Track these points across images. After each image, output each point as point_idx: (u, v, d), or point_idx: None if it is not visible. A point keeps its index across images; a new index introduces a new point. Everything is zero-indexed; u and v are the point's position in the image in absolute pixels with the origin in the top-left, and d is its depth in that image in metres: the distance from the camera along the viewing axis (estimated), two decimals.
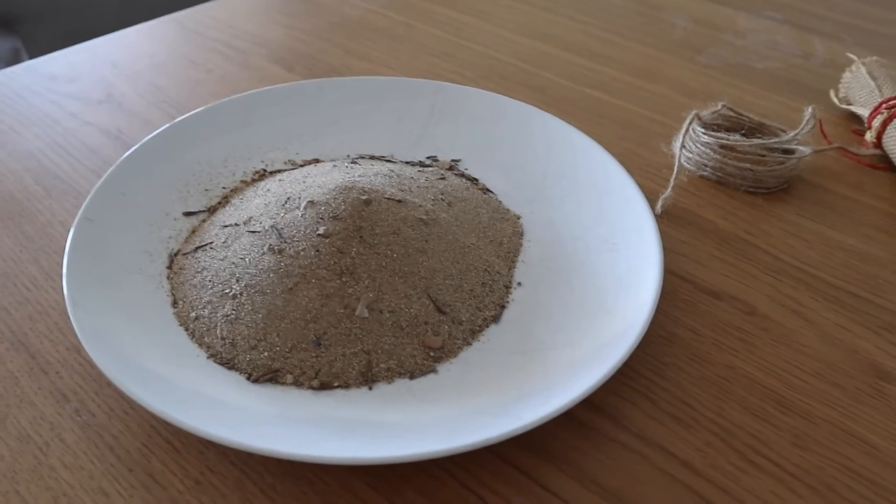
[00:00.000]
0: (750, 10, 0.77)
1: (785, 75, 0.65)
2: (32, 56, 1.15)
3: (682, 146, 0.52)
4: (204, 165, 0.48)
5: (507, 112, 0.52)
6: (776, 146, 0.50)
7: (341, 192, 0.40)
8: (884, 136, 0.53)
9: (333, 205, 0.39)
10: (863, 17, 0.76)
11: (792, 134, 0.51)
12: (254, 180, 0.48)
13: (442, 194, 0.44)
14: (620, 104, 0.60)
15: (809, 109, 0.52)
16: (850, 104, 0.59)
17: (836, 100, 0.60)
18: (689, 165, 0.53)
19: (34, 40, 1.18)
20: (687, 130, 0.52)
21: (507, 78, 0.64)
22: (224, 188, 0.47)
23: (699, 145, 0.52)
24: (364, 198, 0.40)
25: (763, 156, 0.50)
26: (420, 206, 0.41)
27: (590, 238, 0.44)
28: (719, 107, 0.53)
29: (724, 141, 0.50)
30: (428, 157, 0.50)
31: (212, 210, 0.45)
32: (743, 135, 0.52)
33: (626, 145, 0.55)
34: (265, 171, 0.49)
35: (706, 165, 0.51)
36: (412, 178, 0.45)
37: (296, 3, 0.77)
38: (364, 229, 0.39)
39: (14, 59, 1.20)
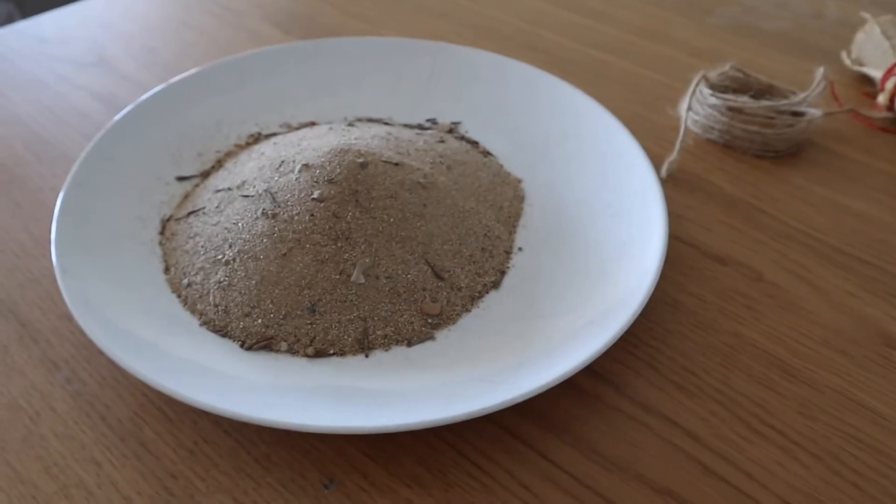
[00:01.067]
0: None
1: (795, 36, 0.63)
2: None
3: (689, 108, 0.50)
4: (197, 129, 0.47)
5: (508, 73, 0.50)
6: (785, 108, 0.49)
7: (337, 155, 0.39)
8: None
9: (329, 168, 0.38)
10: None
11: (802, 96, 0.49)
12: (248, 144, 0.47)
13: (441, 157, 0.43)
14: (625, 65, 0.59)
15: (820, 71, 0.50)
16: (862, 65, 0.57)
17: (847, 61, 0.58)
18: (695, 128, 0.51)
19: (28, 4, 1.16)
20: (694, 92, 0.50)
21: (508, 38, 0.62)
22: (217, 152, 0.46)
23: (706, 107, 0.50)
24: (360, 161, 0.38)
25: (772, 118, 0.48)
26: (418, 169, 0.40)
27: (593, 202, 0.42)
28: (727, 68, 0.52)
29: (731, 103, 0.49)
30: (427, 120, 0.49)
31: (205, 174, 0.44)
32: (751, 97, 0.51)
33: (630, 108, 0.54)
34: (260, 134, 0.48)
35: (713, 128, 0.50)
36: (410, 140, 0.44)
37: None
38: (360, 193, 0.38)
39: (7, 24, 1.17)
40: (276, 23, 0.63)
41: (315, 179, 0.38)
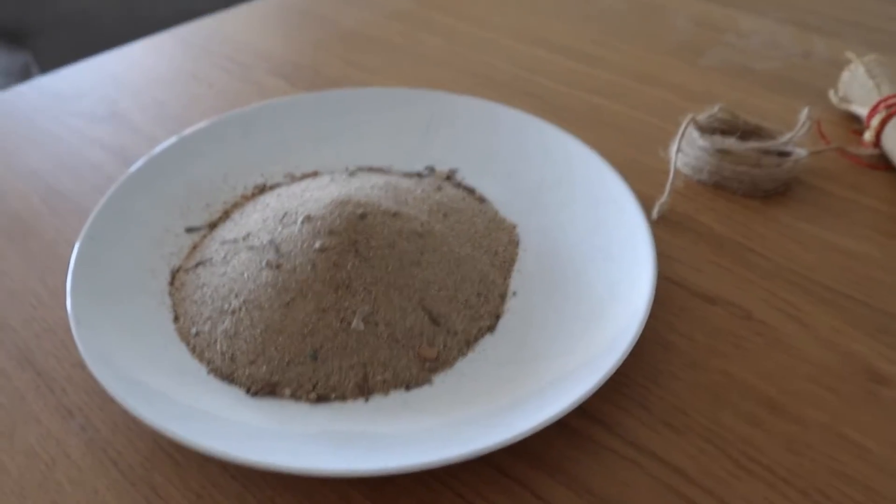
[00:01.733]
0: (751, 10, 0.76)
1: (786, 75, 0.65)
2: (43, 70, 1.17)
3: (679, 150, 0.52)
4: (205, 181, 0.49)
5: (502, 120, 0.52)
6: (772, 149, 0.50)
7: (337, 207, 0.41)
8: (882, 136, 0.53)
9: (329, 219, 0.40)
10: (864, 14, 0.75)
11: (788, 136, 0.51)
12: (254, 195, 0.49)
13: (438, 205, 0.45)
14: (620, 109, 0.61)
15: (805, 111, 0.52)
16: (848, 103, 0.59)
17: (835, 99, 0.60)
18: (685, 170, 0.53)
19: (44, 54, 1.20)
20: (683, 134, 0.52)
21: (504, 85, 0.64)
22: (224, 203, 0.48)
23: (696, 149, 0.52)
24: (360, 212, 0.40)
25: (759, 159, 0.50)
26: (415, 217, 0.42)
27: (585, 246, 0.44)
28: (716, 110, 0.53)
29: (720, 145, 0.51)
30: (425, 168, 0.51)
31: (212, 225, 0.46)
32: (739, 138, 0.52)
33: (623, 151, 0.55)
34: (265, 185, 0.50)
35: (703, 170, 0.52)
36: (408, 189, 0.45)
37: (298, 15, 0.77)
38: (359, 243, 0.39)
39: (24, 74, 1.22)
40: (281, 75, 0.66)
41: (317, 230, 0.40)
